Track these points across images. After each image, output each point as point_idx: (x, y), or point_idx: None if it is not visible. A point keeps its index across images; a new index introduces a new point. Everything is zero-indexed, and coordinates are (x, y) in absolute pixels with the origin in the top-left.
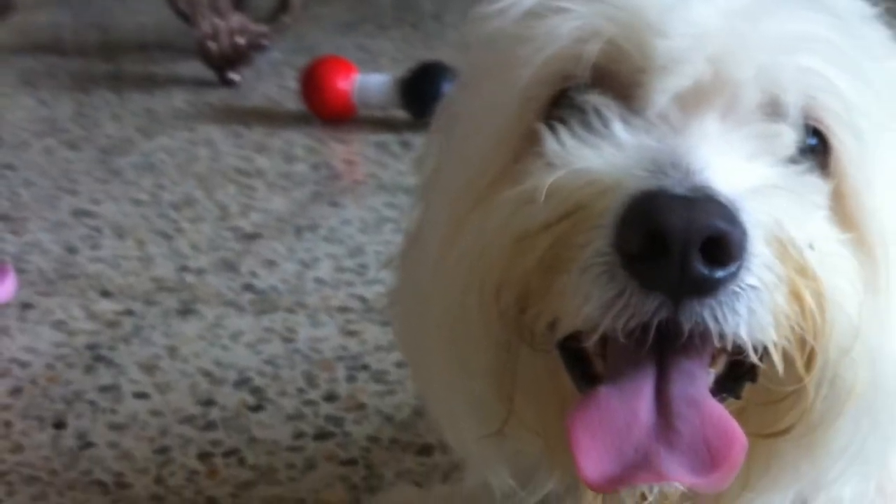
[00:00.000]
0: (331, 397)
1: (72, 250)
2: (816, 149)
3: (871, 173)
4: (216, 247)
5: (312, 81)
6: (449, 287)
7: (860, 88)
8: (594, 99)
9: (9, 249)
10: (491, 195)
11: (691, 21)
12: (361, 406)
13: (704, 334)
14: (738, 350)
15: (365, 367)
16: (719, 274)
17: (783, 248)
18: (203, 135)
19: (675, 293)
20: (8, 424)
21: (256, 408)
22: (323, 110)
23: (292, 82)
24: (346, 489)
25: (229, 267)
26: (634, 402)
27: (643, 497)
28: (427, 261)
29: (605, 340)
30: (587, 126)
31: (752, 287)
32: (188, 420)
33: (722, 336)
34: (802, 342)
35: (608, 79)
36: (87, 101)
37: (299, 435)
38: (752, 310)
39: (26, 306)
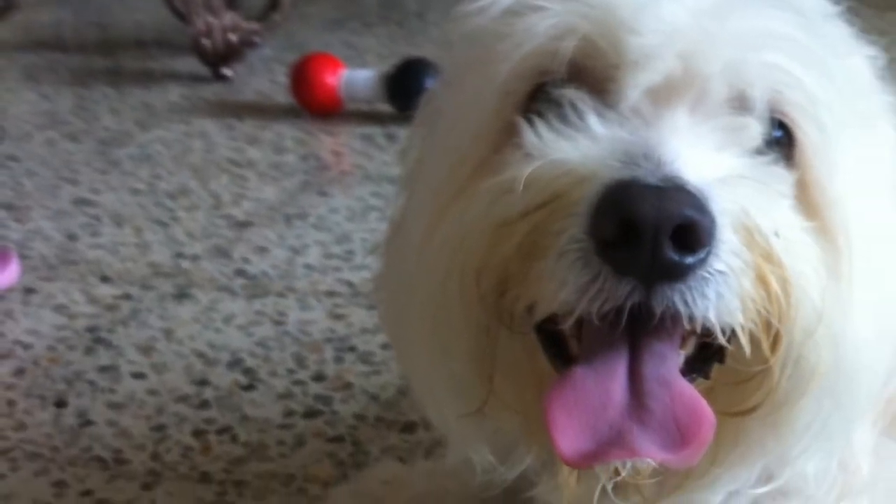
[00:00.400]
0: (319, 377)
1: (72, 237)
2: (781, 141)
3: (833, 164)
4: (210, 234)
5: (302, 77)
6: (431, 273)
7: (823, 83)
8: (570, 93)
9: (12, 236)
10: (472, 185)
11: (662, 19)
12: (348, 386)
13: (675, 317)
14: (707, 332)
15: (352, 349)
16: (689, 260)
17: (750, 235)
18: (198, 127)
19: (647, 278)
20: (11, 403)
21: (248, 387)
22: (312, 104)
23: (282, 77)
24: (334, 465)
25: (222, 253)
26: (608, 381)
27: (616, 472)
28: (411, 248)
29: (580, 323)
30: (563, 119)
31: (721, 272)
32: (183, 399)
33: (692, 319)
34: (768, 325)
35: (583, 74)
36: (87, 95)
37: (289, 413)
38: (720, 294)
39: (29, 291)
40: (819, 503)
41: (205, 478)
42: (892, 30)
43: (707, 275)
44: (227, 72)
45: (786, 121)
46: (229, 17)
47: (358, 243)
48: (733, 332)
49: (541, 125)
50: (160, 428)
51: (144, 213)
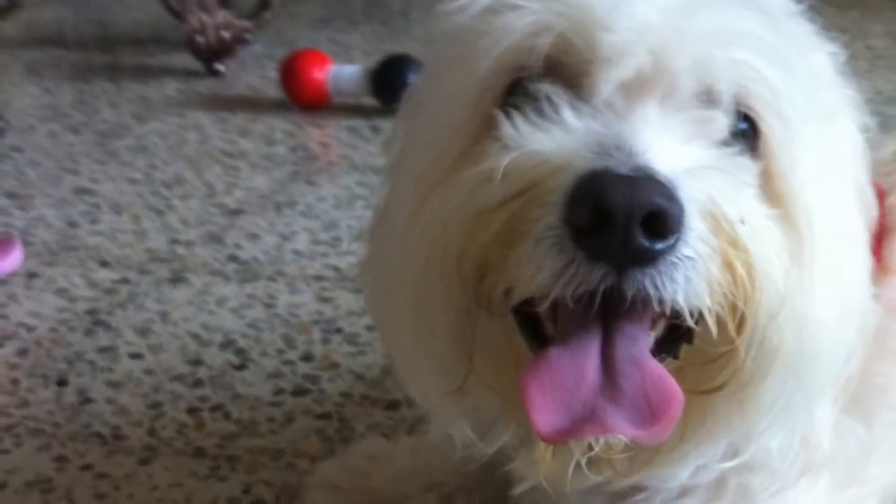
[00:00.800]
0: (307, 357)
1: (73, 224)
2: (747, 133)
3: (796, 155)
4: (204, 221)
5: (291, 72)
6: (414, 258)
7: (786, 78)
8: (546, 88)
9: (16, 224)
10: (452, 175)
11: (633, 17)
12: (335, 365)
13: (646, 300)
14: (676, 315)
15: (338, 331)
16: (659, 246)
17: (717, 222)
18: (192, 120)
19: (619, 263)
20: (15, 382)
21: (240, 367)
22: (300, 98)
23: (272, 73)
24: (322, 441)
25: (215, 239)
26: (582, 361)
27: (590, 448)
28: (394, 234)
29: (555, 306)
30: (539, 112)
31: (689, 258)
32: (178, 378)
33: (661, 302)
34: (734, 308)
35: (558, 69)
36: (87, 89)
37: (279, 392)
38: (688, 278)
39: (32, 275)
40: (782, 477)
41: (199, 453)
42: (853, 27)
43: (676, 260)
44: (219, 67)
45: (751, 114)
46: (222, 16)
47: (344, 230)
48: (701, 314)
49: (518, 118)
50: (156, 405)
51: (141, 201)
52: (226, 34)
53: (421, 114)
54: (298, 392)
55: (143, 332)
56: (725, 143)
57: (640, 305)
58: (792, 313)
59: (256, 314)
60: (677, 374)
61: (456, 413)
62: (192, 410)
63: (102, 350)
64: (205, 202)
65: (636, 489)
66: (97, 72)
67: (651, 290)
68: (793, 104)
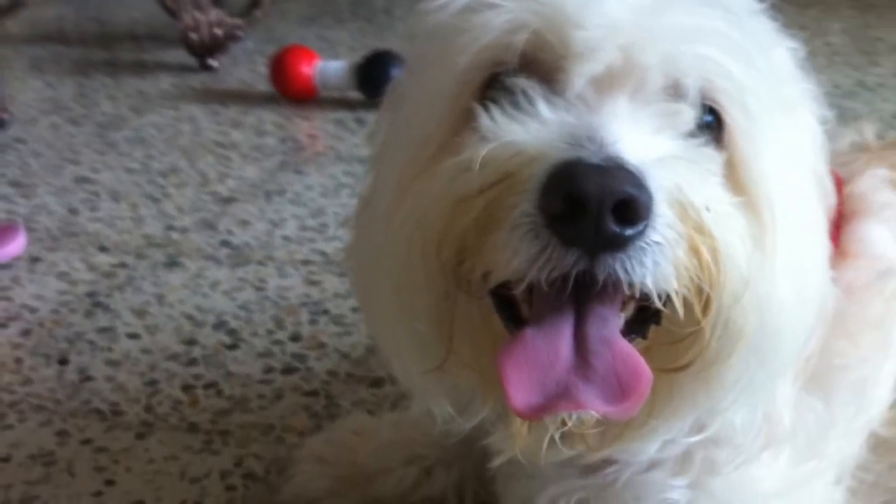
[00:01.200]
0: (296, 337)
1: (74, 211)
2: (712, 125)
3: (758, 146)
4: (197, 208)
5: (280, 67)
6: (397, 243)
7: (749, 73)
8: (521, 82)
9: (20, 211)
10: (433, 164)
11: (604, 15)
12: (322, 345)
13: (616, 283)
14: (645, 297)
15: (325, 312)
16: (629, 232)
17: (683, 209)
18: (186, 113)
19: (591, 248)
20: (19, 361)
21: (232, 346)
22: (289, 92)
23: (263, 68)
24: (309, 416)
25: (209, 226)
26: (556, 341)
27: (563, 423)
28: (378, 221)
29: (530, 289)
30: (515, 105)
31: (657, 243)
32: (173, 357)
33: (631, 285)
34: (700, 290)
35: (533, 65)
36: (87, 83)
37: (269, 370)
38: (656, 262)
39: (35, 260)
40: (746, 451)
41: (193, 428)
42: (812, 25)
43: (645, 245)
44: (212, 63)
45: (716, 107)
46: (215, 14)
47: (331, 217)
48: (668, 296)
49: (495, 111)
50: (153, 383)
51: (139, 189)
52: (218, 31)
53: (403, 107)
54: (287, 370)
55: (140, 313)
56: (692, 135)
57: (610, 288)
58: (754, 296)
59: (247, 297)
60: (646, 353)
61: (436, 390)
62: (186, 388)
63: (101, 330)
64: (198, 190)
65: (607, 462)
66: (96, 67)
67: (621, 274)
68: (755, 97)
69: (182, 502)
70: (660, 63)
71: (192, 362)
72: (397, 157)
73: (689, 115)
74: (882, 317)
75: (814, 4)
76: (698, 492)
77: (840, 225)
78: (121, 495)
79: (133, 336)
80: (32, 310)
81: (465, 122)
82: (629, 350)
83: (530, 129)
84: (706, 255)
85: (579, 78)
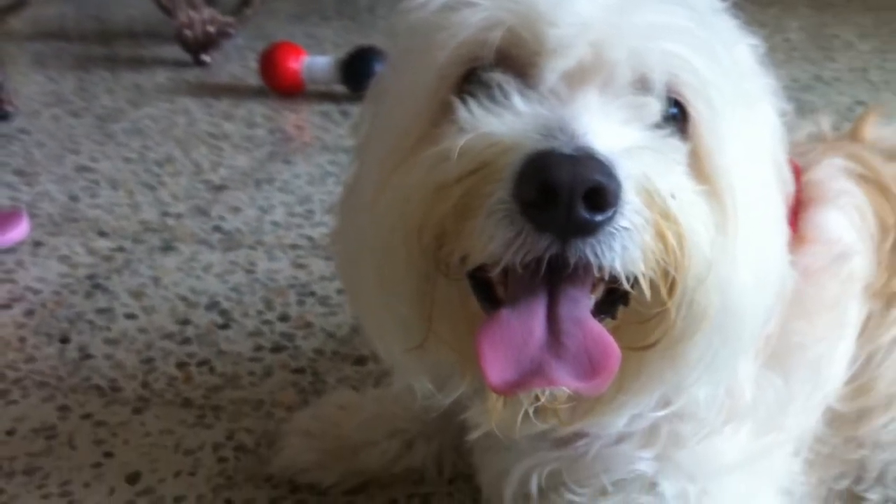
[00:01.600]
0: (284, 318)
1: (74, 199)
2: (677, 117)
3: (721, 136)
4: (191, 196)
5: (269, 62)
6: (380, 229)
7: (713, 68)
8: (497, 76)
9: (23, 198)
10: (414, 154)
11: (576, 13)
12: (309, 325)
13: (587, 267)
14: (614, 279)
15: (312, 294)
16: (599, 218)
17: (650, 197)
18: (181, 105)
19: (563, 233)
20: (23, 340)
21: (224, 326)
22: (278, 85)
23: (253, 63)
24: (297, 392)
25: (202, 212)
26: (530, 321)
27: (537, 398)
28: (362, 207)
29: (506, 271)
30: (492, 99)
31: (625, 228)
32: (168, 336)
33: (601, 268)
34: (665, 273)
35: (508, 60)
36: (87, 78)
37: (258, 348)
38: (625, 247)
39: (38, 244)
40: (709, 424)
41: (187, 403)
42: (772, 23)
43: (614, 230)
44: (205, 58)
45: (680, 100)
46: (208, 12)
47: (317, 204)
48: (636, 279)
49: (472, 104)
50: (149, 361)
51: (136, 178)
52: (211, 28)
53: (385, 100)
54: (276, 349)
55: (137, 294)
56: (658, 126)
57: (581, 271)
58: (717, 278)
59: (238, 279)
60: (615, 332)
61: (417, 367)
62: (180, 365)
63: (101, 311)
64: (192, 179)
65: (578, 435)
66: (96, 62)
67: (592, 258)
68: (718, 91)
69: (177, 473)
70: (628, 59)
71: (186, 341)
72: (380, 147)
73: (655, 108)
74: (837, 298)
75: (773, 3)
76: (664, 463)
77: (798, 211)
78: (119, 466)
79: (130, 316)
80: (35, 291)
81: (443, 115)
82: (599, 329)
83: (506, 121)
84: (671, 239)
85: (552, 72)
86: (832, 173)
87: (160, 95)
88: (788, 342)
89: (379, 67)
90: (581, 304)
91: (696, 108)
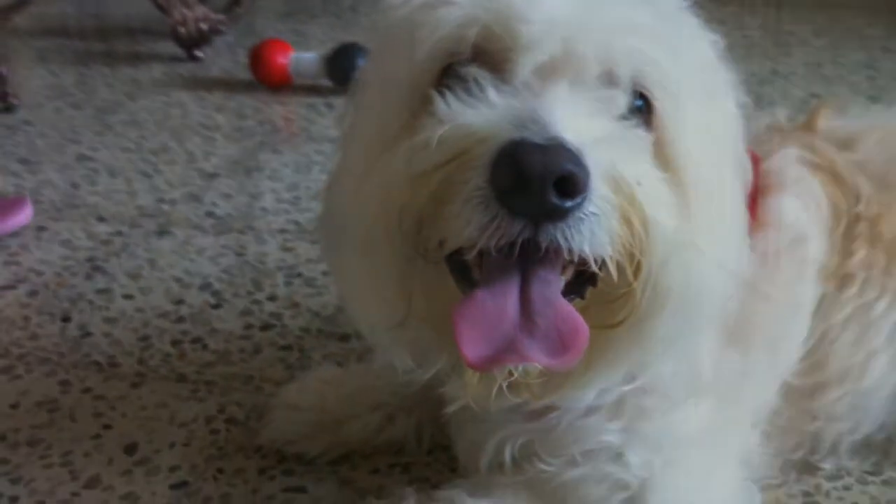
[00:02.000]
0: (273, 298)
1: (75, 186)
2: (642, 109)
3: (683, 127)
4: (185, 183)
5: (258, 58)
6: (363, 214)
7: (675, 63)
8: (473, 71)
9: (27, 185)
10: (395, 144)
11: (547, 11)
12: (296, 305)
13: (557, 250)
14: (583, 262)
15: (299, 275)
16: (568, 204)
17: (617, 184)
18: (175, 98)
19: (535, 218)
20: (26, 319)
21: (216, 306)
22: (267, 80)
23: (243, 58)
24: (284, 368)
25: (195, 198)
26: (504, 301)
27: (510, 374)
28: (346, 194)
29: (481, 254)
30: (468, 92)
31: (594, 214)
32: (164, 315)
33: (571, 251)
34: (631, 255)
35: (484, 55)
36: (87, 72)
37: (248, 327)
38: (593, 231)
39: (41, 229)
40: (672, 399)
41: (181, 378)
42: (730, 20)
43: (583, 216)
44: (198, 54)
45: (645, 93)
46: (200, 10)
47: (304, 191)
48: (604, 261)
49: (450, 97)
50: (145, 338)
51: (133, 166)
52: (204, 26)
53: (368, 93)
54: (265, 327)
55: (134, 276)
56: (624, 118)
57: (552, 254)
58: (680, 260)
59: (230, 261)
60: (584, 311)
61: (398, 344)
62: (175, 342)
63: (100, 291)
64: (186, 167)
65: (549, 409)
66: (95, 57)
67: (562, 242)
68: (680, 84)
69: (172, 444)
70: (596, 54)
71: (181, 320)
72: (363, 137)
73: (622, 101)
74: (793, 280)
75: (733, 1)
76: (631, 435)
77: (756, 198)
78: (117, 438)
79: (128, 297)
80: (38, 273)
81: (423, 107)
82: (569, 309)
83: (481, 113)
84: (637, 224)
85: (524, 67)
86: (788, 162)
87: (156, 89)
88: (747, 321)
89: (362, 63)
90: (552, 285)
91: (659, 101)
